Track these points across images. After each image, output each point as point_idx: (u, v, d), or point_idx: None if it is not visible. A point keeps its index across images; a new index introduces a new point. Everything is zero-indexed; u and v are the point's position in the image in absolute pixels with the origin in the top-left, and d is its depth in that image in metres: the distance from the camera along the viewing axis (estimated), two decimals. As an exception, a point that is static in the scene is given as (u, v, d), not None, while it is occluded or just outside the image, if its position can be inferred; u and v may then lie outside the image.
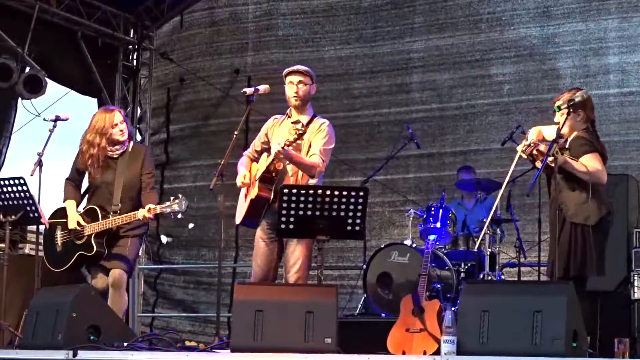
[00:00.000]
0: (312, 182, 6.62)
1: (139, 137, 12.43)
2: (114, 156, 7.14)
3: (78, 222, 7.00)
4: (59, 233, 7.18)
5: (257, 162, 6.81)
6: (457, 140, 10.85)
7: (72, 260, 7.03)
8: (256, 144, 6.93)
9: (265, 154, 6.72)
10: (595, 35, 10.32)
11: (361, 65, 11.43)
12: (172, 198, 6.83)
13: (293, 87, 6.73)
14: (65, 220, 7.12)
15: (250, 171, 6.75)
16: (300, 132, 6.29)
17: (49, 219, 7.30)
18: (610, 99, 10.15)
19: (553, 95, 6.53)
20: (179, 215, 6.81)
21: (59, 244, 7.16)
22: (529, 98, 10.40)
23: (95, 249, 6.94)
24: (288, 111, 6.86)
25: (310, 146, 6.65)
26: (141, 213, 6.80)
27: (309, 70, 6.81)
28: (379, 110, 11.28)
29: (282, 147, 6.27)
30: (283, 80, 6.84)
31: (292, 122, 6.73)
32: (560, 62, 10.43)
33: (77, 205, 7.19)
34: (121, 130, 7.09)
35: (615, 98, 10.17)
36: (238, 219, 6.76)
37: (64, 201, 7.23)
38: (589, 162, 6.15)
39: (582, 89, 6.39)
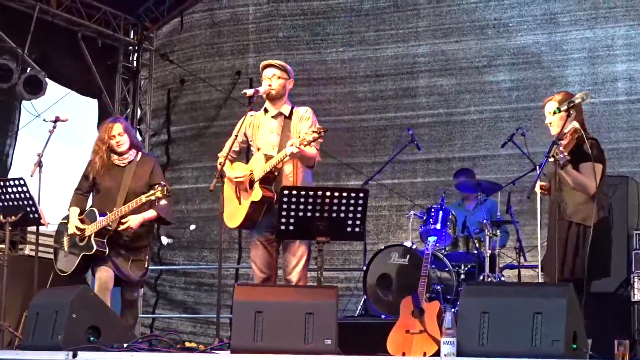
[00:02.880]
0: (308, 180, 6.63)
1: (139, 138, 12.43)
2: (121, 164, 7.28)
3: (76, 227, 7.11)
4: (65, 239, 7.28)
5: (244, 163, 6.78)
6: (465, 146, 10.86)
7: (77, 262, 7.12)
8: (233, 145, 6.75)
9: (260, 155, 6.61)
10: (602, 43, 10.34)
11: (365, 69, 11.42)
12: (155, 185, 6.98)
13: (267, 80, 6.72)
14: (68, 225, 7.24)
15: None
16: (321, 130, 6.21)
17: (58, 227, 7.39)
18: (618, 106, 10.19)
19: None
20: (162, 202, 6.98)
21: (65, 249, 7.26)
22: (537, 105, 10.33)
23: (95, 249, 7.01)
24: (265, 106, 6.82)
25: (299, 136, 6.59)
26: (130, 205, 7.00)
27: (284, 65, 6.80)
28: (385, 114, 11.27)
29: (299, 147, 6.24)
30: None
31: (272, 117, 6.72)
32: (569, 69, 10.45)
33: (82, 212, 7.28)
34: (118, 142, 7.26)
35: (623, 105, 10.21)
36: (234, 223, 6.69)
37: (69, 209, 7.34)
38: (586, 171, 6.18)
39: (581, 92, 6.41)
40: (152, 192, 6.91)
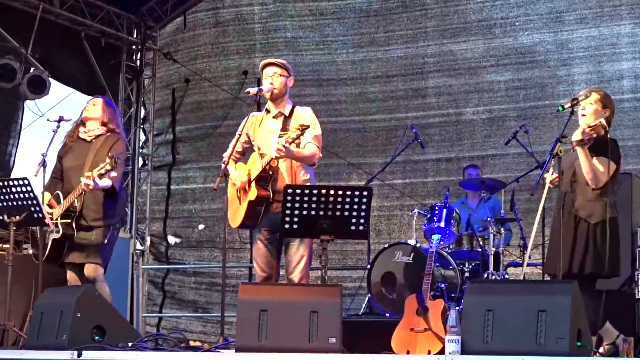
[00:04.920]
0: (307, 177, 6.63)
1: (142, 137, 12.45)
2: (87, 139, 7.32)
3: (46, 211, 7.10)
4: (38, 227, 7.32)
5: (244, 162, 6.78)
6: (475, 145, 10.88)
7: (49, 247, 7.13)
8: (236, 145, 6.78)
9: (256, 154, 6.65)
10: (608, 41, 10.35)
11: (375, 69, 11.42)
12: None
13: (269, 79, 6.69)
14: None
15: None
16: (304, 127, 6.21)
17: None
18: (624, 104, 10.15)
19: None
20: (113, 173, 6.78)
21: (39, 237, 7.29)
22: (544, 104, 10.42)
23: (61, 231, 7.05)
24: (266, 106, 6.80)
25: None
26: (82, 182, 6.85)
27: (285, 63, 6.78)
28: (396, 115, 11.26)
29: (284, 146, 6.22)
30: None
31: (273, 117, 6.71)
32: (575, 67, 10.48)
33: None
34: (85, 107, 7.42)
35: (629, 103, 10.22)
36: (235, 222, 6.70)
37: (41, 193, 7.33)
38: (601, 164, 6.18)
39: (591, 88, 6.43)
40: (100, 165, 6.78)
